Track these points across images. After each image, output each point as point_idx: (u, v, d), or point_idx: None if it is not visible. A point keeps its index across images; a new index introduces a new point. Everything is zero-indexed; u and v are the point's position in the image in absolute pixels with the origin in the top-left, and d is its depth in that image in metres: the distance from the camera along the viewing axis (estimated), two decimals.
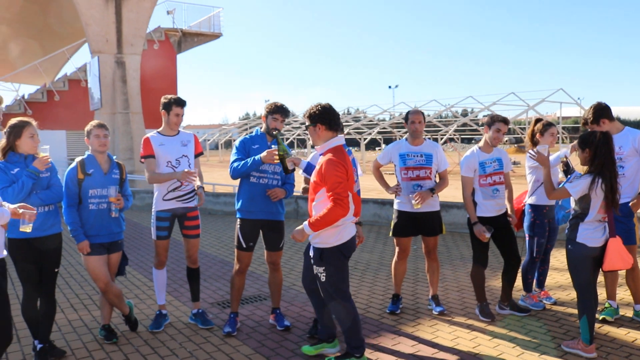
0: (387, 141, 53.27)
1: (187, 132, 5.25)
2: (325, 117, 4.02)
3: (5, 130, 4.32)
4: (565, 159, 5.02)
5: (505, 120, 5.27)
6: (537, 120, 5.56)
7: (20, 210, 3.55)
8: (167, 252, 5.18)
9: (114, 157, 4.85)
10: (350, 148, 4.94)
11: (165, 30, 23.27)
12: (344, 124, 40.68)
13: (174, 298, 6.08)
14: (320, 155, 4.10)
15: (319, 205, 3.92)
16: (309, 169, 4.53)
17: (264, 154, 4.61)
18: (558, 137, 30.00)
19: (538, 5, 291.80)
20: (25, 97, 23.01)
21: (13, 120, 4.25)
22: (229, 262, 7.86)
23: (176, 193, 4.98)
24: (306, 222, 3.91)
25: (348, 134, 37.03)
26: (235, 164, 4.80)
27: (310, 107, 4.10)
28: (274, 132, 4.66)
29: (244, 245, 4.91)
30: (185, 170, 4.84)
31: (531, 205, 5.41)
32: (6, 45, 29.79)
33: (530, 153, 5.01)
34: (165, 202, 5.01)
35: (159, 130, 5.14)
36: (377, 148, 57.61)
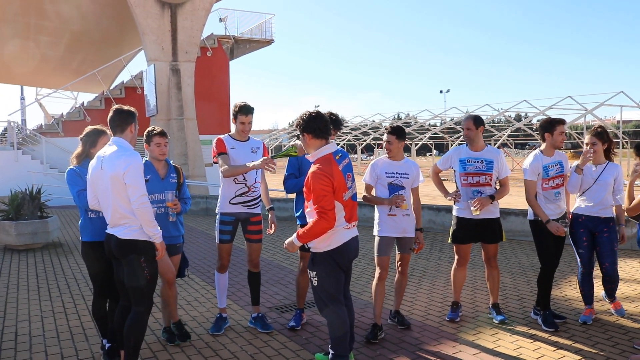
0: (438, 147, 52.63)
1: (257, 140, 5.29)
2: (310, 126, 3.94)
3: (81, 137, 4.50)
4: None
5: (563, 122, 5.28)
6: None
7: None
8: (230, 256, 5.25)
9: (172, 162, 4.95)
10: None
11: (218, 38, 23.68)
12: None
13: (232, 302, 6.16)
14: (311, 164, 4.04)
15: (311, 213, 3.91)
16: None
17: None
18: (618, 141, 28.90)
19: (594, 11, 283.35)
20: (85, 104, 23.83)
21: (89, 128, 4.41)
22: (286, 267, 7.92)
23: (243, 198, 5.05)
24: (295, 234, 3.93)
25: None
26: (289, 183, 5.05)
27: (299, 116, 4.08)
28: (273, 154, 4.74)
29: (307, 246, 4.94)
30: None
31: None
32: (67, 55, 30.99)
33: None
34: (231, 205, 5.07)
35: (230, 134, 5.19)
36: (427, 154, 57.02)
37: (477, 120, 5.29)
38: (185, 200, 4.89)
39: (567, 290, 6.36)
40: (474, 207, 5.09)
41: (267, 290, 6.61)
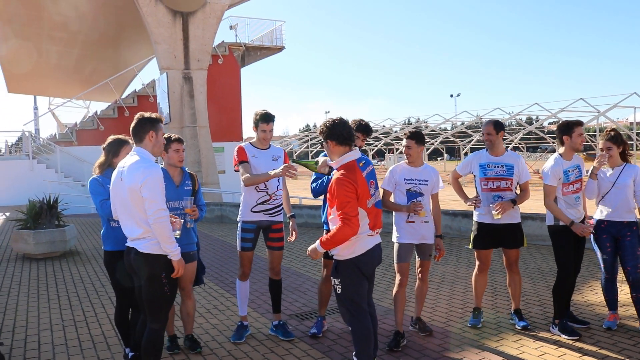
0: (450, 151, 52.51)
1: (278, 147, 5.31)
2: (334, 133, 3.95)
3: (104, 146, 4.53)
4: None
5: (582, 123, 5.23)
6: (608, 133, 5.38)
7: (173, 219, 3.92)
8: (251, 264, 5.24)
9: (186, 169, 4.96)
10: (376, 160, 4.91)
11: (229, 45, 23.81)
12: (404, 134, 40.51)
13: (252, 309, 6.16)
14: (335, 169, 4.05)
15: (334, 220, 3.88)
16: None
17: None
18: (632, 143, 28.65)
19: (604, 12, 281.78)
20: (98, 113, 24.01)
21: (111, 138, 4.43)
22: (304, 274, 7.91)
23: (264, 206, 5.05)
24: (318, 241, 3.88)
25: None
26: (314, 185, 5.01)
27: (322, 123, 4.11)
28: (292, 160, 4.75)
29: (331, 254, 4.94)
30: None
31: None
32: (79, 65, 31.29)
33: None
34: (253, 213, 5.07)
35: (251, 141, 5.20)
36: (439, 158, 56.85)
37: (497, 125, 5.26)
38: (201, 207, 4.89)
39: (589, 296, 6.31)
40: (496, 210, 5.06)
41: (286, 297, 6.60)
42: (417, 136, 5.06)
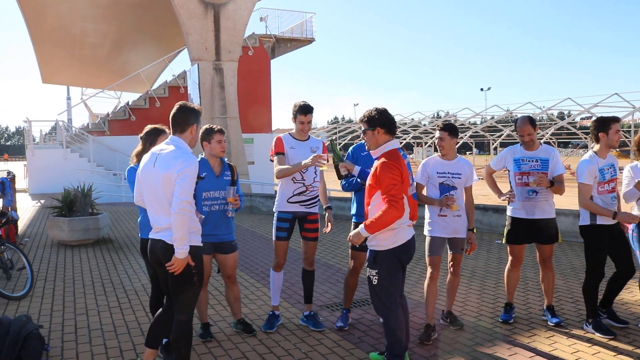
0: (479, 145, 51.96)
1: (317, 139, 5.34)
2: (385, 121, 4.03)
3: (141, 135, 4.60)
4: None
5: (618, 119, 5.10)
6: None
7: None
8: (286, 255, 5.29)
9: (226, 159, 5.02)
10: (407, 152, 4.89)
11: (260, 37, 23.90)
12: (432, 128, 40.22)
13: (283, 299, 6.21)
14: (375, 159, 4.09)
15: (374, 208, 3.92)
16: (362, 174, 4.61)
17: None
18: None
19: (636, 7, 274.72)
20: (130, 103, 24.35)
21: (149, 127, 4.51)
22: (333, 266, 7.95)
23: (300, 197, 5.09)
24: (362, 225, 3.90)
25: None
26: (343, 182, 5.01)
27: (367, 111, 4.12)
28: (328, 140, 4.56)
29: (358, 246, 4.96)
30: (315, 154, 4.82)
31: None
32: (111, 56, 31.75)
33: None
34: (289, 204, 5.12)
35: (291, 132, 5.24)
36: (468, 152, 56.31)
37: (533, 122, 5.18)
38: (240, 197, 4.96)
39: (624, 294, 6.19)
40: (533, 179, 4.97)
41: (317, 288, 6.62)
42: (450, 128, 5.02)
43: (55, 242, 10.23)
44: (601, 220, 4.92)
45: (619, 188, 5.14)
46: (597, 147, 5.05)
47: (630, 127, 33.93)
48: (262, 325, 5.29)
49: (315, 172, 5.13)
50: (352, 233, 3.99)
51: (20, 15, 24.46)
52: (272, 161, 5.17)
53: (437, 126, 5.12)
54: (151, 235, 3.86)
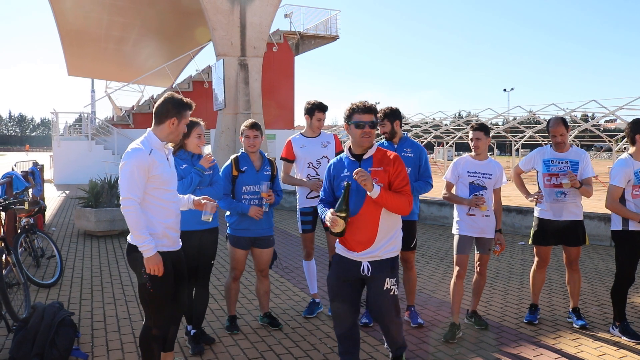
0: (500, 146, 51.48)
1: (328, 133, 5.53)
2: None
3: None
4: None
5: None
6: None
7: (203, 201, 3.84)
8: (313, 244, 5.53)
9: (266, 154, 5.10)
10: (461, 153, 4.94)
11: (284, 33, 23.97)
12: (453, 128, 39.95)
13: (306, 294, 6.26)
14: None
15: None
16: None
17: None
18: None
19: None
20: (154, 97, 24.58)
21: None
22: None
23: (318, 192, 5.21)
24: (380, 187, 3.47)
25: (460, 138, 36.19)
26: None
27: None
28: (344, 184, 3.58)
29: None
30: (314, 181, 5.30)
31: None
32: (135, 50, 32.05)
33: None
34: (309, 200, 5.43)
35: (302, 132, 5.46)
36: (489, 153, 55.95)
37: (566, 124, 5.14)
38: (278, 192, 5.02)
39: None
40: (567, 179, 4.94)
41: None
42: (485, 128, 5.02)
43: (81, 232, 10.41)
44: (634, 226, 4.85)
45: None
46: (632, 149, 4.98)
47: None
48: (303, 311, 5.55)
49: None
50: (367, 177, 3.42)
51: (48, 7, 24.81)
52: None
53: (471, 126, 5.09)
54: None
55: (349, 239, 3.62)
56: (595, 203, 4.87)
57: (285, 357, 4.52)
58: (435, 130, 40.98)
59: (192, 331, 4.71)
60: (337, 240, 3.73)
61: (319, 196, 5.19)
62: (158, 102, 3.64)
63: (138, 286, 3.63)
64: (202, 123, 4.52)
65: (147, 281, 3.47)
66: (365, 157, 3.67)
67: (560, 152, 5.19)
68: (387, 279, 3.63)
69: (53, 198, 17.08)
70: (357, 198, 3.57)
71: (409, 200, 3.57)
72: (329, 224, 3.50)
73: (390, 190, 3.57)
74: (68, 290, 6.45)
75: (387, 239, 3.62)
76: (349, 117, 3.68)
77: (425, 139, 42.63)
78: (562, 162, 5.15)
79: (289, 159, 5.49)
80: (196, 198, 3.86)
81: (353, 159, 3.69)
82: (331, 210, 3.51)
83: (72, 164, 21.97)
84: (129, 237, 3.54)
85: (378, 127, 5.11)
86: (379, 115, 5.17)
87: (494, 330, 5.14)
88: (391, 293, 3.64)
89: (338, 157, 3.84)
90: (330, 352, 4.60)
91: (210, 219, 3.89)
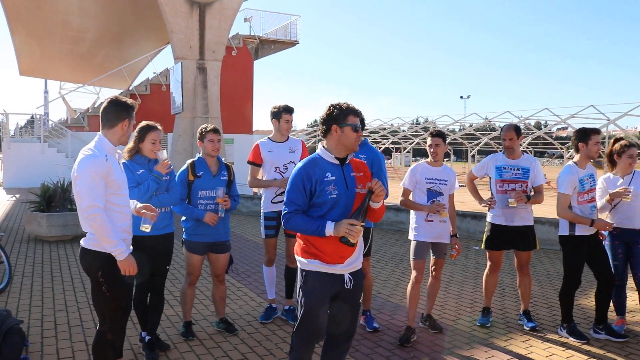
0: (457, 152, 52.46)
1: (296, 139, 5.52)
2: None
3: (135, 132, 4.61)
4: None
5: (599, 132, 5.21)
6: (617, 140, 5.37)
7: (143, 210, 3.78)
8: (275, 250, 5.50)
9: (223, 159, 5.07)
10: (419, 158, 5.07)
11: (244, 38, 23.89)
12: (411, 134, 40.55)
13: (262, 299, 6.25)
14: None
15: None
16: None
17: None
18: None
19: (617, 19, 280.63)
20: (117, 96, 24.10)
21: (142, 123, 4.51)
22: None
23: (283, 197, 5.18)
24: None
25: (417, 144, 36.69)
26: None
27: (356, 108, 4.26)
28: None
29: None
30: (283, 179, 5.23)
31: None
32: (91, 51, 31.38)
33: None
34: (273, 204, 5.36)
35: (270, 136, 5.44)
36: (446, 159, 56.89)
37: (518, 130, 5.32)
38: (235, 197, 5.01)
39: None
40: (512, 198, 5.08)
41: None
42: (443, 135, 5.14)
43: (32, 238, 10.12)
44: (580, 231, 5.03)
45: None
46: (577, 157, 5.16)
47: (605, 138, 34.60)
48: (259, 316, 5.52)
49: None
50: (380, 185, 3.21)
51: None
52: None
53: (430, 133, 5.17)
54: None
55: (328, 251, 3.27)
56: (547, 208, 5.03)
57: None
58: (393, 136, 41.49)
59: (147, 337, 4.64)
60: (303, 255, 3.33)
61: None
62: (104, 106, 3.58)
63: (92, 291, 3.58)
64: (159, 128, 4.48)
65: (104, 284, 3.45)
66: (346, 161, 3.41)
67: (512, 158, 5.33)
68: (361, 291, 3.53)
69: (2, 202, 16.57)
70: (345, 206, 3.29)
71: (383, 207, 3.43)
72: (350, 235, 3.11)
73: None
74: (17, 298, 6.26)
75: (360, 246, 3.44)
76: (342, 119, 3.31)
77: (384, 144, 43.09)
78: (514, 169, 5.30)
79: (257, 163, 5.44)
80: (139, 205, 3.82)
81: (336, 162, 3.35)
82: (351, 219, 3.14)
83: (23, 167, 21.33)
84: (82, 242, 3.51)
85: None
86: None
87: (448, 333, 5.24)
88: (360, 300, 3.56)
89: (309, 159, 3.39)
90: (286, 357, 4.59)
91: (149, 229, 3.81)
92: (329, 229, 3.15)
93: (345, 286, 3.33)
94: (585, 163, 5.13)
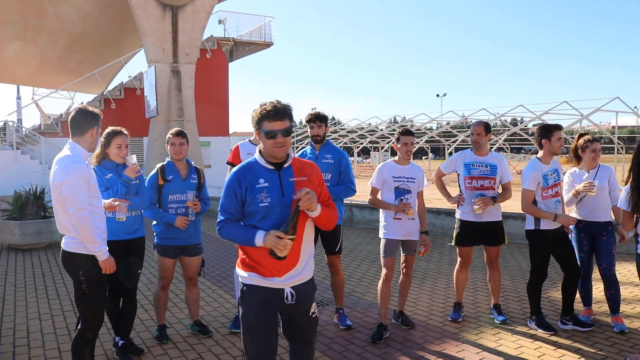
0: (434, 150, 52.83)
1: None
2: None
3: (101, 137, 4.61)
4: None
5: (561, 127, 5.36)
6: (581, 135, 5.51)
7: (116, 203, 4.08)
8: None
9: (193, 162, 5.09)
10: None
11: (218, 40, 23.78)
12: (389, 132, 40.77)
13: (231, 297, 6.27)
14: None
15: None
16: None
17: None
18: (614, 147, 28.99)
19: (590, 17, 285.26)
20: (84, 104, 23.85)
21: (108, 129, 4.51)
22: None
23: None
24: (320, 205, 3.01)
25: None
26: None
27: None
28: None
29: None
30: None
31: None
32: (65, 55, 31.01)
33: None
34: None
35: (251, 139, 5.39)
36: (424, 157, 57.20)
37: (487, 127, 5.42)
38: (205, 200, 5.02)
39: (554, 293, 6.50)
40: (477, 205, 5.21)
41: None
42: (412, 133, 5.23)
43: (5, 246, 10.00)
44: (545, 225, 5.15)
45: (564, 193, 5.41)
46: (540, 153, 5.29)
47: (570, 134, 35.15)
48: (229, 325, 5.40)
49: None
50: (311, 195, 2.90)
51: None
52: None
53: (401, 132, 5.21)
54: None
55: (265, 264, 2.98)
56: (517, 204, 5.16)
57: None
58: (371, 135, 41.65)
59: (120, 342, 4.65)
60: (242, 267, 3.09)
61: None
62: (73, 116, 3.79)
63: (75, 290, 3.82)
64: (124, 132, 4.48)
65: (84, 283, 3.73)
66: (285, 165, 3.08)
67: (480, 155, 5.43)
68: (313, 304, 3.18)
69: None
70: (280, 215, 2.97)
71: (336, 212, 3.19)
72: (276, 248, 2.84)
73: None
74: None
75: (308, 257, 3.12)
76: (258, 124, 3.00)
77: (362, 143, 43.26)
78: (482, 166, 5.39)
79: (235, 164, 5.37)
80: (106, 201, 3.95)
81: (271, 167, 3.06)
82: (277, 231, 2.86)
83: None
84: (63, 245, 3.77)
85: (310, 129, 5.24)
86: (311, 116, 5.27)
87: (420, 329, 5.32)
88: (314, 316, 3.20)
89: (244, 164, 3.12)
90: None
91: (124, 219, 4.12)
92: (259, 239, 2.89)
93: (286, 301, 3.02)
94: (549, 158, 5.24)
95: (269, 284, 2.99)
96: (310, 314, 3.15)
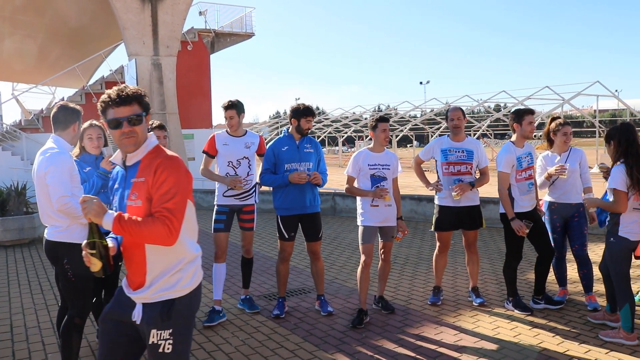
0: (419, 138, 53.02)
1: (255, 134, 5.56)
2: None
3: None
4: (605, 167, 5.11)
5: (532, 112, 5.50)
6: (553, 119, 5.62)
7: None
8: (225, 245, 5.45)
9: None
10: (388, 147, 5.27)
11: (199, 31, 23.65)
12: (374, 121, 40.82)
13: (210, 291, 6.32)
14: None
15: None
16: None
17: (292, 175, 5.09)
18: (595, 130, 29.28)
19: (567, 0, 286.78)
20: (65, 99, 23.66)
21: (86, 123, 4.52)
22: (271, 258, 8.12)
23: (235, 191, 5.28)
24: (112, 215, 2.46)
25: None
26: (266, 178, 5.28)
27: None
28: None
29: (286, 236, 5.32)
30: (234, 178, 5.23)
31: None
32: (44, 50, 30.67)
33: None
34: (225, 198, 5.39)
35: (228, 130, 5.45)
36: (408, 145, 57.43)
37: (463, 112, 5.55)
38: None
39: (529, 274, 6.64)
40: (455, 192, 5.31)
41: (255, 279, 6.78)
42: (388, 119, 5.34)
43: None
44: (518, 208, 5.27)
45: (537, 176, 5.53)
46: (514, 137, 5.41)
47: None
48: (204, 320, 5.30)
49: (249, 167, 5.35)
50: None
51: None
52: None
53: (376, 119, 5.32)
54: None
55: (128, 272, 2.66)
56: (495, 188, 5.28)
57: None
58: (355, 124, 41.71)
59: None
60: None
61: (235, 195, 5.31)
62: (55, 112, 3.99)
63: (61, 279, 3.98)
64: (96, 124, 4.47)
65: (69, 271, 3.84)
66: (129, 163, 2.61)
67: (457, 141, 5.52)
68: (153, 331, 2.52)
69: None
70: None
71: (168, 228, 2.42)
72: (87, 263, 2.46)
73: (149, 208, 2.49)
74: None
75: (162, 274, 2.55)
76: (102, 113, 2.58)
77: (346, 133, 43.33)
78: (459, 151, 5.49)
79: (210, 154, 5.44)
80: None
81: (122, 166, 2.68)
82: (83, 244, 2.46)
83: None
84: (46, 235, 3.94)
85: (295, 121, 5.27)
86: (305, 109, 5.28)
87: (400, 313, 5.42)
88: (160, 350, 2.52)
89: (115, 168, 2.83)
90: (235, 352, 4.66)
91: None
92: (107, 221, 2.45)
93: (132, 319, 2.55)
94: (522, 142, 5.37)
95: (127, 292, 2.64)
96: (150, 342, 2.52)
